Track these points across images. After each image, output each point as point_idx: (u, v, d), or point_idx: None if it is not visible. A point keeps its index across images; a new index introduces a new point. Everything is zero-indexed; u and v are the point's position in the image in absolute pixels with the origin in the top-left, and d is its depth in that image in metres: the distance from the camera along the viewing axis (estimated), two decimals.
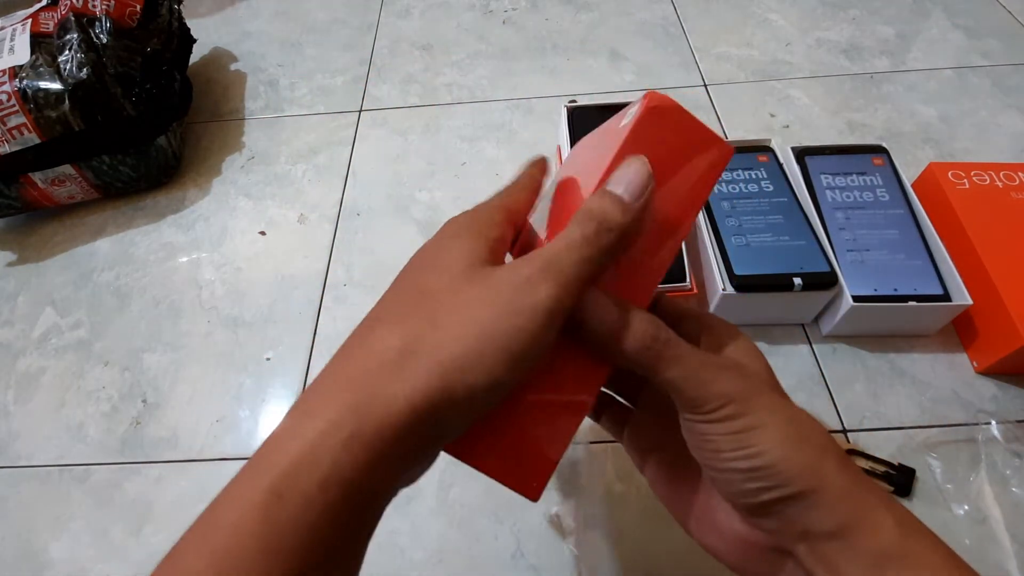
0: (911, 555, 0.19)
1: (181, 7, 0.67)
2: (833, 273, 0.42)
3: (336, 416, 0.17)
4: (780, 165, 0.49)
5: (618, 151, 0.22)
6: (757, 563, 0.22)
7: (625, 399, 0.29)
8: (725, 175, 0.48)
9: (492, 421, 0.21)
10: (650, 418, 0.27)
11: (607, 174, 0.22)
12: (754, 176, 0.48)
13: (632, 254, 0.22)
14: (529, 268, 0.19)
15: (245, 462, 0.17)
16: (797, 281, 0.42)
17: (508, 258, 0.23)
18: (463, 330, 0.18)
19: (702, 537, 0.24)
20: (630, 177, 0.21)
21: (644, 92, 0.23)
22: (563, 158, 0.52)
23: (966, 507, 0.37)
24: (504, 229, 0.22)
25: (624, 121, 0.23)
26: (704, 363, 0.21)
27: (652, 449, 0.27)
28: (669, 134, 0.22)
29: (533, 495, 0.22)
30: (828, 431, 0.21)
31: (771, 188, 0.47)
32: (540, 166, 0.27)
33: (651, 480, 0.26)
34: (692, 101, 0.63)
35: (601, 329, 0.20)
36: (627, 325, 0.20)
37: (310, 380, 0.46)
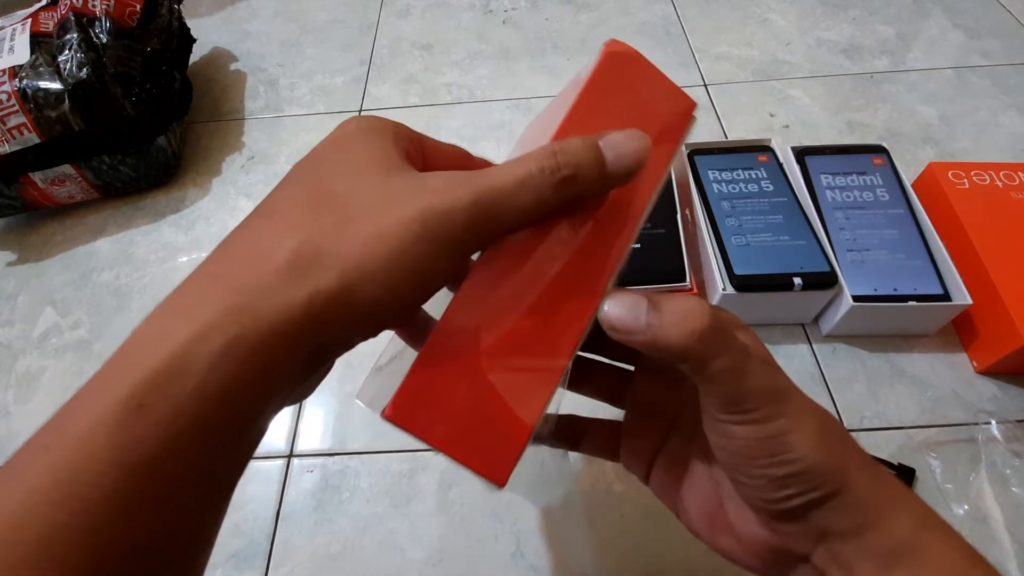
0: (924, 551, 0.19)
1: (181, 7, 0.67)
2: (833, 273, 0.42)
3: (215, 318, 0.15)
4: (780, 165, 0.49)
5: (576, 100, 0.20)
6: (771, 563, 0.21)
7: (608, 401, 0.27)
8: (725, 175, 0.48)
9: (449, 390, 0.19)
10: (644, 419, 0.25)
11: (563, 124, 0.20)
12: (754, 176, 0.48)
13: (589, 230, 0.20)
14: (457, 182, 0.17)
15: (108, 365, 0.15)
16: (797, 281, 0.42)
17: None
18: (371, 238, 0.16)
19: (713, 540, 0.23)
20: (624, 140, 0.18)
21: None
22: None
23: (966, 507, 0.37)
24: (416, 149, 0.20)
25: (583, 72, 0.21)
26: (746, 354, 0.19)
27: (653, 455, 0.25)
28: (631, 84, 0.21)
29: (499, 479, 0.19)
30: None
31: (771, 188, 0.47)
32: (486, 162, 0.24)
33: (657, 487, 0.25)
34: None
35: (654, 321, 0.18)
36: (684, 310, 0.18)
37: None
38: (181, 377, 0.14)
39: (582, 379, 0.27)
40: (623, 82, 0.21)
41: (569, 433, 0.27)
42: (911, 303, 0.41)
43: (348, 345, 0.17)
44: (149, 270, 0.55)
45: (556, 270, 0.19)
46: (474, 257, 0.20)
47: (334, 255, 0.16)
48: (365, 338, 0.18)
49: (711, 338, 0.18)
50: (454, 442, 0.19)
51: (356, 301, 0.16)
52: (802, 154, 0.49)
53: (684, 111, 0.22)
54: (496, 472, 0.19)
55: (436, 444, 0.19)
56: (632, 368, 0.26)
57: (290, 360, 0.16)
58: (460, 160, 0.22)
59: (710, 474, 0.23)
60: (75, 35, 0.53)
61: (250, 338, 0.15)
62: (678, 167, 0.50)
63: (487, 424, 0.19)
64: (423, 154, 0.21)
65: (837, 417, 0.42)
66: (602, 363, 0.27)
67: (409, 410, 0.18)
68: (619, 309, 0.19)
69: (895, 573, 0.19)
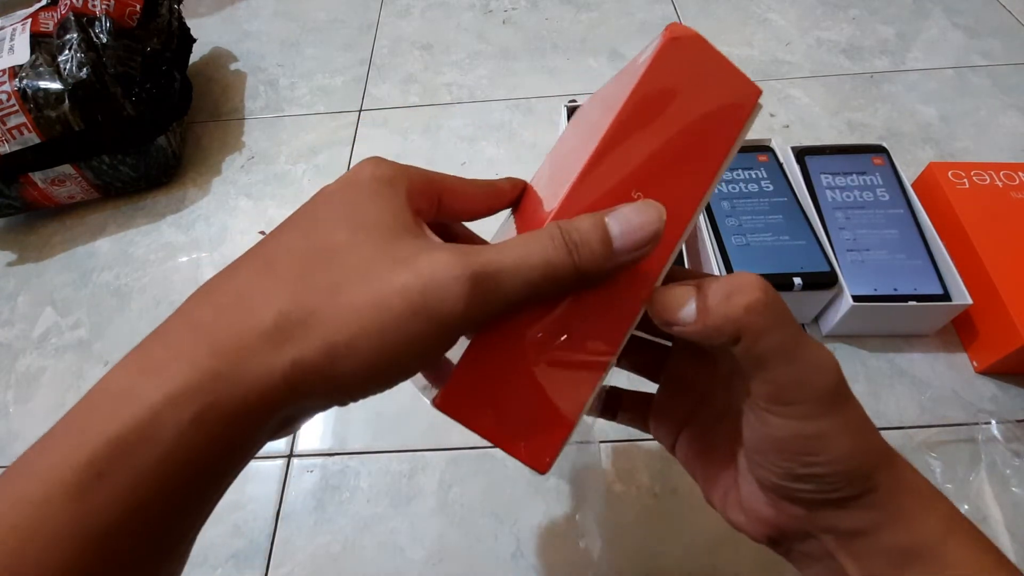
0: (944, 553, 0.18)
1: (181, 7, 0.67)
2: (833, 273, 0.42)
3: (190, 381, 0.14)
4: (780, 165, 0.49)
5: (630, 95, 0.19)
6: (779, 539, 0.21)
7: (645, 375, 0.27)
8: (725, 175, 0.48)
9: (497, 382, 0.19)
10: (676, 393, 0.25)
11: (609, 133, 0.19)
12: (754, 176, 0.48)
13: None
14: (460, 256, 0.16)
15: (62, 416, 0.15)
16: (797, 281, 0.42)
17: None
18: (364, 307, 0.15)
19: (725, 511, 0.23)
20: (635, 221, 0.17)
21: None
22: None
23: (966, 507, 0.37)
24: (430, 201, 0.19)
25: (643, 56, 0.20)
26: (800, 333, 0.18)
27: (681, 428, 0.25)
28: (692, 72, 0.19)
29: (542, 467, 0.20)
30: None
31: (771, 188, 0.47)
32: (514, 182, 0.23)
33: (681, 458, 0.25)
34: None
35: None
36: (731, 286, 0.17)
37: None
38: (147, 445, 0.14)
39: (621, 353, 0.27)
40: (682, 73, 0.19)
41: (607, 404, 0.28)
42: (911, 303, 0.41)
43: (323, 410, 0.17)
44: (149, 270, 0.55)
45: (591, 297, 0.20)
46: None
47: (323, 322, 0.15)
48: (343, 404, 0.17)
49: (762, 311, 0.17)
50: (500, 432, 0.19)
51: (339, 373, 0.15)
52: (802, 154, 0.49)
53: (747, 101, 0.20)
54: (539, 460, 0.20)
55: (483, 433, 0.19)
56: (669, 344, 0.26)
57: (261, 427, 0.15)
58: (482, 200, 0.22)
59: (731, 451, 0.23)
60: (75, 35, 0.53)
61: (223, 407, 0.14)
62: None
63: (533, 415, 0.19)
64: (440, 200, 0.20)
65: None
66: (640, 338, 0.26)
67: (458, 401, 0.19)
68: (667, 303, 0.18)
69: (908, 572, 0.18)
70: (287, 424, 0.17)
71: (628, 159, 0.19)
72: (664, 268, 0.20)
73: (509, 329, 0.19)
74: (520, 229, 0.21)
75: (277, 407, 0.15)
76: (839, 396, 0.18)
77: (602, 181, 0.19)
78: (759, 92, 0.21)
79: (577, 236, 0.17)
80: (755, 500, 0.21)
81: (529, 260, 0.17)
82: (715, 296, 0.17)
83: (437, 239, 0.18)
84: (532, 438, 0.20)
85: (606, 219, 0.17)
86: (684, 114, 0.20)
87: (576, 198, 0.19)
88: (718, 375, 0.24)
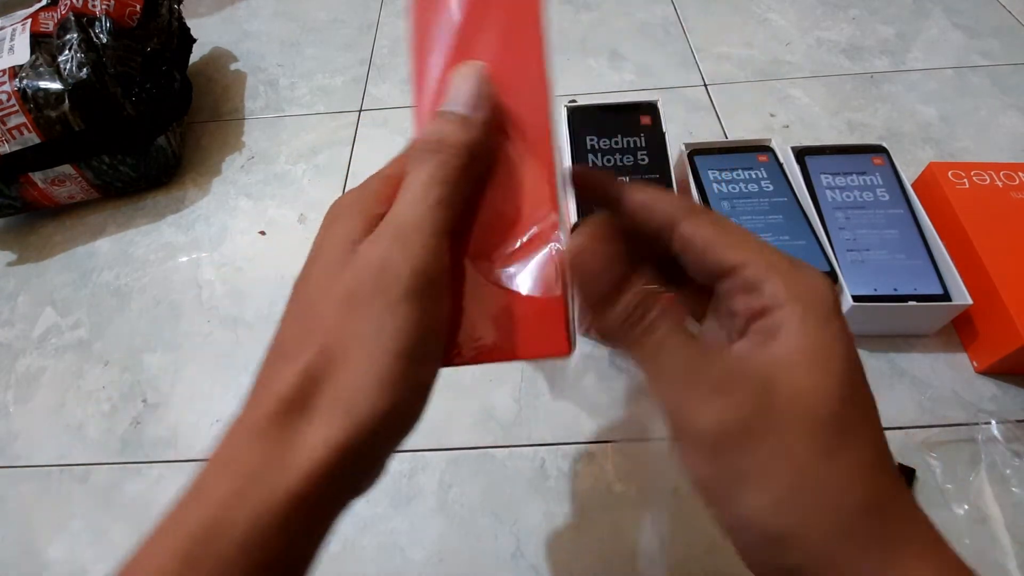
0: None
1: (181, 7, 0.67)
2: (833, 273, 0.42)
3: (250, 470, 0.16)
4: (780, 165, 0.49)
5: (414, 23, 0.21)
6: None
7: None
8: (725, 175, 0.48)
9: (475, 307, 0.20)
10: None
11: (442, 76, 0.20)
12: (754, 176, 0.48)
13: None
14: (381, 247, 0.17)
15: (165, 513, 0.16)
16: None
17: None
18: (347, 350, 0.17)
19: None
20: (462, 88, 0.19)
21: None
22: (563, 158, 0.52)
23: (966, 507, 0.37)
24: (387, 203, 0.20)
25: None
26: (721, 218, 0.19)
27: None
28: None
29: (562, 350, 0.20)
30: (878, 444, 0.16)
31: (771, 188, 0.47)
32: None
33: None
34: (692, 101, 0.63)
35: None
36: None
37: None
38: (226, 532, 0.15)
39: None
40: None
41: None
42: (911, 303, 0.41)
43: (387, 455, 0.18)
44: (149, 270, 0.55)
45: (498, 179, 0.20)
46: None
47: (323, 381, 0.17)
48: (401, 440, 0.18)
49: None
50: (506, 347, 0.20)
51: (364, 419, 0.16)
52: (802, 154, 0.49)
53: None
54: (557, 346, 0.20)
55: (492, 358, 0.20)
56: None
57: (330, 496, 0.17)
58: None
59: None
60: (75, 35, 0.53)
61: (283, 490, 0.16)
62: (678, 167, 0.50)
63: (523, 313, 0.20)
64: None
65: None
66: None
67: (456, 348, 0.20)
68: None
69: None
70: (359, 486, 0.18)
71: (457, 54, 0.21)
72: (549, 130, 0.20)
73: (460, 261, 0.20)
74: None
75: (332, 476, 0.16)
76: (768, 412, 0.17)
77: (436, 82, 0.20)
78: None
79: (433, 136, 0.19)
80: None
81: (420, 192, 0.18)
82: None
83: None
84: (538, 332, 0.20)
85: (440, 108, 0.19)
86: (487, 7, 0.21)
87: (422, 110, 0.20)
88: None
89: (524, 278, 0.20)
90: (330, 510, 0.17)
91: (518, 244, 0.20)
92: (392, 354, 0.16)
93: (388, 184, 0.20)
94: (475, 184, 0.20)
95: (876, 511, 0.15)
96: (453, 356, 0.20)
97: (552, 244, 0.20)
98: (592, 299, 0.18)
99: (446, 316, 0.19)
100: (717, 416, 0.16)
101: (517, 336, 0.20)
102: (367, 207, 0.19)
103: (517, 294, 0.20)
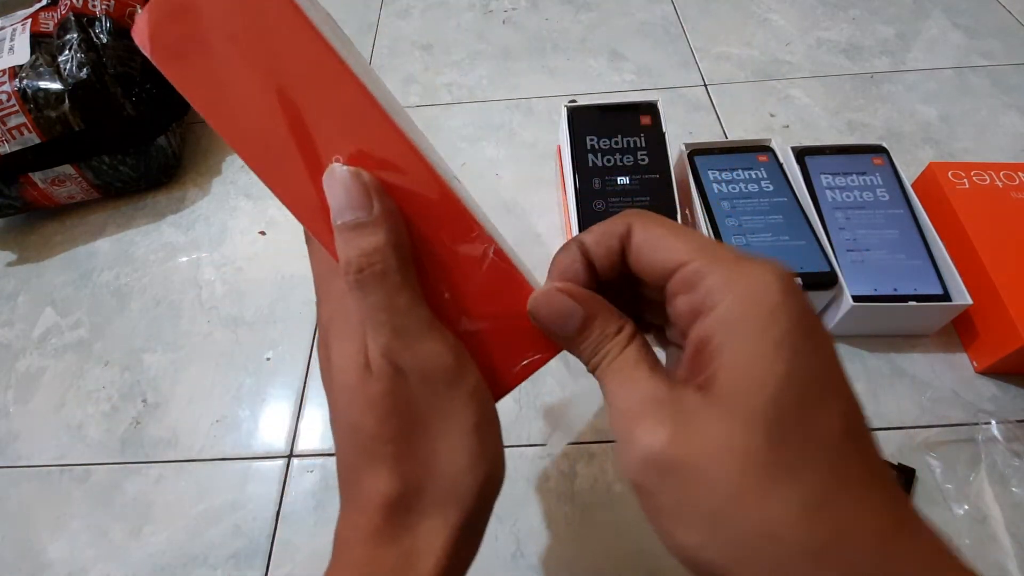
0: None
1: None
2: (833, 273, 0.42)
3: (382, 571, 0.17)
4: (780, 165, 0.49)
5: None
6: None
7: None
8: (725, 175, 0.48)
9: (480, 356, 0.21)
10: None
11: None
12: (754, 176, 0.48)
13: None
14: (398, 360, 0.19)
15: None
16: (797, 281, 0.41)
17: None
18: (435, 445, 0.19)
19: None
20: (340, 194, 0.18)
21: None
22: (563, 159, 0.52)
23: (966, 507, 0.37)
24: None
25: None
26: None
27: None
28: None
29: (549, 351, 0.21)
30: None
31: (771, 188, 0.47)
32: None
33: None
34: (692, 101, 0.63)
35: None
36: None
37: (310, 380, 0.47)
38: None
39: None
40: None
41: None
42: (911, 303, 0.41)
43: (490, 515, 0.21)
44: (149, 270, 0.55)
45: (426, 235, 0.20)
46: None
47: (424, 494, 0.19)
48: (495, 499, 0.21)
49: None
50: (509, 375, 0.21)
51: (471, 516, 0.19)
52: (802, 154, 0.49)
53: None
54: (544, 350, 0.21)
55: (520, 380, 0.21)
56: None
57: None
58: None
59: None
60: (75, 35, 0.53)
61: None
62: (678, 167, 0.50)
63: (503, 338, 0.21)
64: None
65: None
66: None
67: (498, 384, 0.21)
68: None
69: None
70: (473, 552, 0.21)
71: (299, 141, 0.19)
72: (421, 152, 0.20)
73: (453, 317, 0.21)
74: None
75: (455, 561, 0.20)
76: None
77: (306, 182, 0.19)
78: None
79: (352, 259, 0.18)
80: None
81: (383, 311, 0.19)
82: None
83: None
84: (523, 347, 0.21)
85: (335, 223, 0.18)
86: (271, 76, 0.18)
87: (315, 227, 0.20)
88: None
89: (490, 294, 0.21)
90: None
91: (469, 283, 0.21)
92: (468, 431, 0.19)
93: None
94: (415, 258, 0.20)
95: (820, 554, 0.14)
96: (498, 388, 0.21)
97: (488, 248, 0.20)
98: (560, 338, 0.20)
99: (475, 366, 0.20)
100: (640, 452, 0.15)
101: (500, 362, 0.21)
102: (355, 333, 0.19)
103: (495, 330, 0.21)
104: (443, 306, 0.20)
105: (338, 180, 0.18)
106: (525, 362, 0.21)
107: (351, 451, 0.20)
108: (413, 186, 0.19)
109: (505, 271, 0.21)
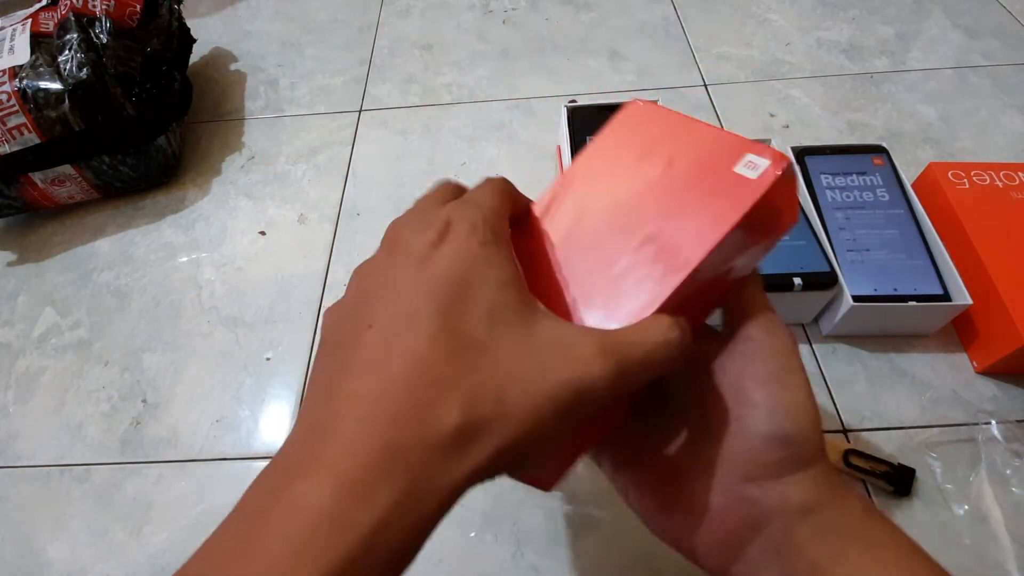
0: (874, 536, 0.20)
1: (181, 7, 0.67)
2: (833, 273, 0.42)
3: (396, 501, 0.16)
4: None
5: (735, 224, 0.20)
6: (730, 551, 0.21)
7: None
8: None
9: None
10: (621, 440, 0.26)
11: (710, 252, 0.20)
12: None
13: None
14: (601, 349, 0.18)
15: (284, 534, 0.15)
16: (797, 281, 0.42)
17: None
18: (525, 413, 0.17)
19: (676, 536, 0.23)
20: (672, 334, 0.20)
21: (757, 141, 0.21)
22: (563, 159, 0.52)
23: (966, 507, 0.37)
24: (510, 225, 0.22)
25: (741, 169, 0.21)
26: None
27: (624, 466, 0.25)
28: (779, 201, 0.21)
29: (546, 486, 0.22)
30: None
31: None
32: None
33: (624, 489, 0.25)
34: (692, 101, 0.63)
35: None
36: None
37: (310, 380, 0.47)
38: (370, 559, 0.15)
39: None
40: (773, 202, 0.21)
41: None
42: (911, 303, 0.41)
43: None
44: (149, 270, 0.55)
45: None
46: None
47: (493, 432, 0.17)
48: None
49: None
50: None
51: (506, 465, 0.17)
52: (802, 154, 0.49)
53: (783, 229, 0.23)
54: (544, 483, 0.22)
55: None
56: None
57: (447, 512, 0.17)
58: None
59: (678, 472, 0.23)
60: (75, 35, 0.53)
61: (422, 525, 0.16)
62: None
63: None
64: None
65: (837, 417, 0.42)
66: None
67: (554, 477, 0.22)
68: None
69: (849, 552, 0.19)
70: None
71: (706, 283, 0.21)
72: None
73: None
74: (531, 266, 0.22)
75: (455, 502, 0.17)
76: (796, 359, 0.22)
77: (688, 292, 0.21)
78: (782, 160, 0.21)
79: (682, 329, 0.20)
80: (703, 494, 0.22)
81: (657, 352, 0.19)
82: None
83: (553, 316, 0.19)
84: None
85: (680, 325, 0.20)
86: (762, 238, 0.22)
87: (675, 298, 0.20)
88: (664, 414, 0.25)
89: None
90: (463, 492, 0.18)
91: None
92: (553, 451, 0.20)
93: (505, 222, 0.22)
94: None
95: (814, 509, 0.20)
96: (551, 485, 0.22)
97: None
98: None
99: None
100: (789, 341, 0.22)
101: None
102: (512, 257, 0.20)
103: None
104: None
105: (674, 327, 0.20)
106: None
107: (442, 361, 0.18)
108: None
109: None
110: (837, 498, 0.20)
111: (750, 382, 0.21)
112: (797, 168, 0.48)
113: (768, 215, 0.21)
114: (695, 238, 0.20)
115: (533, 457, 0.18)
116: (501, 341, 0.18)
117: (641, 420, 0.25)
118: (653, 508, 0.24)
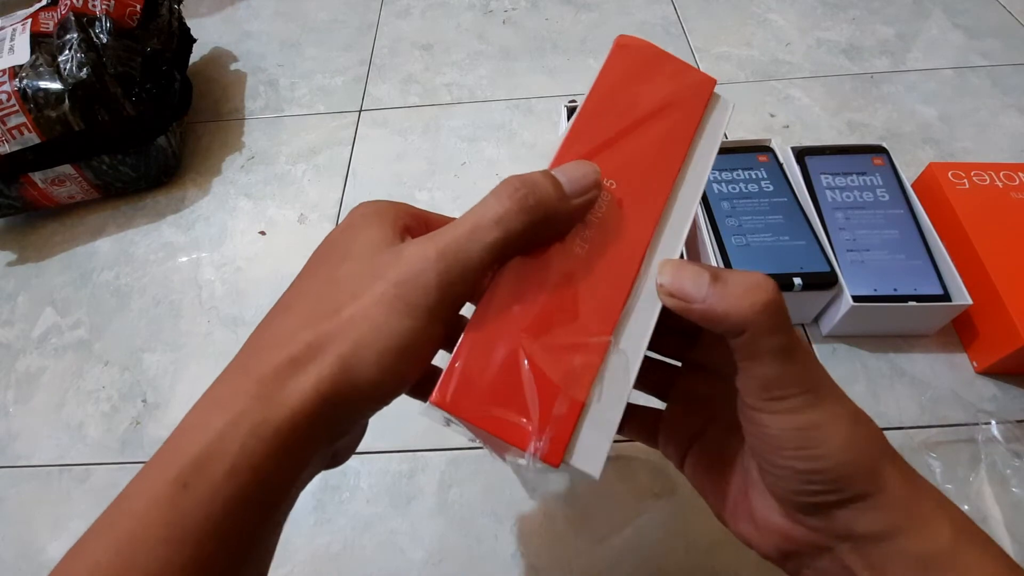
0: (961, 560, 0.18)
1: (181, 7, 0.67)
2: (833, 273, 0.42)
3: (244, 406, 0.17)
4: (780, 165, 0.49)
5: (587, 100, 0.22)
6: (791, 554, 0.21)
7: (655, 395, 0.27)
8: (725, 175, 0.48)
9: (493, 372, 0.19)
10: (686, 412, 0.26)
11: (574, 127, 0.22)
12: (754, 176, 0.48)
13: (613, 223, 0.21)
14: (424, 242, 0.19)
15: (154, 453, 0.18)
16: (797, 281, 0.42)
17: None
18: (357, 319, 0.18)
19: (736, 525, 0.23)
20: (575, 172, 0.20)
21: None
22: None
23: (966, 507, 0.37)
24: (415, 221, 0.22)
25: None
26: (797, 338, 0.19)
27: (689, 445, 0.25)
28: (643, 73, 0.23)
29: (553, 460, 0.18)
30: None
31: (771, 188, 0.47)
32: None
33: (690, 474, 0.25)
34: None
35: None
36: (749, 282, 0.19)
37: None
38: (219, 457, 0.16)
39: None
40: (629, 78, 0.22)
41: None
42: (911, 303, 0.41)
43: (362, 417, 0.20)
44: (149, 270, 0.55)
45: (584, 257, 0.21)
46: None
47: (332, 342, 0.18)
48: (377, 409, 0.19)
49: (773, 312, 0.18)
50: (502, 425, 0.18)
51: (356, 380, 0.18)
52: (802, 154, 0.49)
53: (702, 91, 0.24)
54: (551, 453, 0.18)
55: (485, 426, 0.19)
56: (678, 364, 0.27)
57: (310, 437, 0.18)
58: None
59: (741, 465, 0.23)
60: (75, 35, 0.53)
61: (272, 422, 0.17)
62: None
63: (536, 405, 0.19)
64: (427, 228, 0.22)
65: None
66: (650, 359, 0.27)
67: (455, 395, 0.19)
68: (678, 278, 0.20)
69: None
70: (335, 433, 0.19)
71: (592, 150, 0.22)
72: (648, 248, 0.21)
73: (501, 317, 0.19)
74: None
75: (316, 418, 0.17)
76: (827, 389, 0.19)
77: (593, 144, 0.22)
78: (712, 81, 0.24)
79: (524, 186, 0.19)
80: (768, 512, 0.21)
81: (483, 222, 0.19)
82: (734, 286, 0.19)
83: (411, 239, 0.20)
84: (540, 429, 0.18)
85: (551, 171, 0.20)
86: (640, 109, 0.22)
87: (574, 143, 0.22)
88: (727, 392, 0.23)
89: (560, 366, 0.19)
90: (309, 450, 0.18)
91: (571, 338, 0.20)
92: (395, 350, 0.18)
93: (411, 209, 0.22)
94: (535, 253, 0.20)
95: (892, 450, 0.21)
96: (443, 397, 0.19)
97: (622, 370, 0.20)
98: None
99: (440, 337, 0.19)
100: (805, 371, 0.19)
101: (512, 418, 0.19)
102: (394, 218, 0.21)
103: (541, 375, 0.19)
104: (529, 320, 0.19)
105: (587, 170, 0.21)
106: (497, 414, 0.19)
107: (316, 305, 0.20)
108: (625, 239, 0.21)
109: (589, 365, 0.19)
110: (918, 524, 0.19)
111: (774, 450, 0.20)
112: (797, 168, 0.48)
113: (633, 85, 0.23)
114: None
115: (387, 371, 0.18)
116: (354, 271, 0.19)
117: (722, 429, 0.24)
118: (724, 515, 0.24)
